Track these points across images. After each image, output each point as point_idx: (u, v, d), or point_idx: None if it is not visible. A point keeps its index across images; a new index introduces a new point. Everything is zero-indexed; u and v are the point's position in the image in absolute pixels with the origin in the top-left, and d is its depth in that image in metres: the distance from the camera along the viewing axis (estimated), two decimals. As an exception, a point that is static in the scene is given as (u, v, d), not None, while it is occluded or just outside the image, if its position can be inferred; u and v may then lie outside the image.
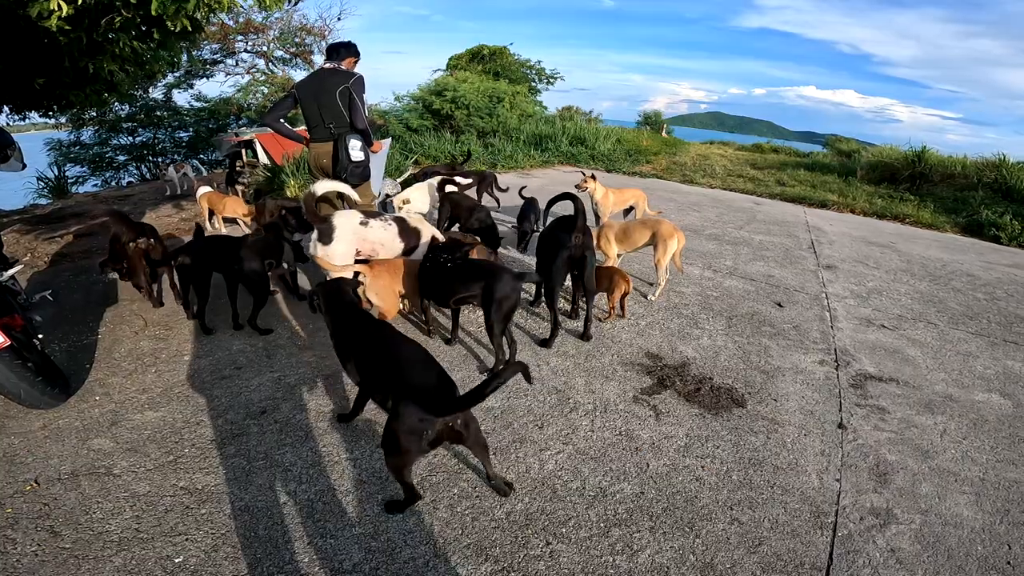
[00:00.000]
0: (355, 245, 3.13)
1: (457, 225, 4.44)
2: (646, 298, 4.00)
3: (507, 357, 2.88)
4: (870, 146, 13.51)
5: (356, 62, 3.68)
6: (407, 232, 3.31)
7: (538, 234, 3.49)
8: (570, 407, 2.69)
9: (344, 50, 3.58)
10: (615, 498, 2.13)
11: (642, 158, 12.10)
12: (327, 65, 3.52)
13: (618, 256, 4.03)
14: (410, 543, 1.87)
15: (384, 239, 3.24)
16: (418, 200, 5.20)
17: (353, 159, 3.44)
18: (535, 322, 3.58)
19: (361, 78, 3.47)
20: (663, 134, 17.68)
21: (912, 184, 10.05)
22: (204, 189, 5.36)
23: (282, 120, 3.63)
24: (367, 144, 3.62)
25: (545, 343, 3.24)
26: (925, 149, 10.40)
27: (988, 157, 10.15)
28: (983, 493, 2.30)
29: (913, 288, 4.81)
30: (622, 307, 3.64)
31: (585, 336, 3.33)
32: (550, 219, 3.71)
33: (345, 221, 3.12)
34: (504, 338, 2.86)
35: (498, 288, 2.66)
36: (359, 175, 3.53)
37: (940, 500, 2.24)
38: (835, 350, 3.47)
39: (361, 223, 3.16)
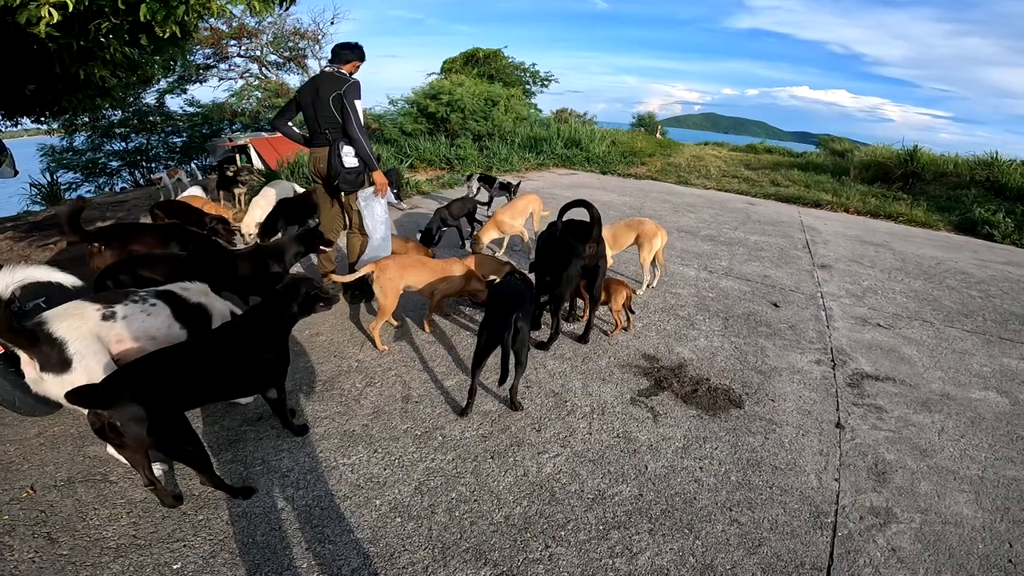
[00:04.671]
0: (104, 355, 2.10)
1: None
2: (635, 293, 4.00)
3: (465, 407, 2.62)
4: (863, 146, 13.55)
5: (359, 65, 3.50)
6: (187, 312, 2.42)
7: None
8: (568, 410, 2.69)
9: (347, 53, 3.41)
10: (614, 500, 2.12)
11: (637, 160, 12.14)
12: (327, 68, 3.42)
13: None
14: (409, 548, 1.86)
15: (151, 329, 2.27)
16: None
17: (346, 165, 3.37)
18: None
19: (355, 84, 3.30)
20: (657, 136, 17.71)
21: (905, 183, 10.11)
22: (193, 191, 5.33)
23: (290, 124, 3.58)
24: (366, 164, 3.42)
25: (543, 346, 3.24)
26: (917, 148, 10.46)
27: (980, 155, 10.22)
28: (982, 491, 2.31)
29: (908, 287, 4.83)
30: (631, 314, 3.55)
31: (583, 339, 3.34)
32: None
33: (75, 324, 2.06)
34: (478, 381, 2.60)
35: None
36: (351, 182, 3.44)
37: (940, 499, 2.24)
38: (831, 349, 3.48)
39: (104, 317, 2.16)
